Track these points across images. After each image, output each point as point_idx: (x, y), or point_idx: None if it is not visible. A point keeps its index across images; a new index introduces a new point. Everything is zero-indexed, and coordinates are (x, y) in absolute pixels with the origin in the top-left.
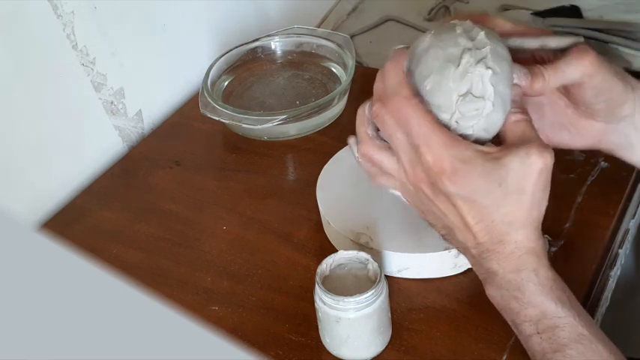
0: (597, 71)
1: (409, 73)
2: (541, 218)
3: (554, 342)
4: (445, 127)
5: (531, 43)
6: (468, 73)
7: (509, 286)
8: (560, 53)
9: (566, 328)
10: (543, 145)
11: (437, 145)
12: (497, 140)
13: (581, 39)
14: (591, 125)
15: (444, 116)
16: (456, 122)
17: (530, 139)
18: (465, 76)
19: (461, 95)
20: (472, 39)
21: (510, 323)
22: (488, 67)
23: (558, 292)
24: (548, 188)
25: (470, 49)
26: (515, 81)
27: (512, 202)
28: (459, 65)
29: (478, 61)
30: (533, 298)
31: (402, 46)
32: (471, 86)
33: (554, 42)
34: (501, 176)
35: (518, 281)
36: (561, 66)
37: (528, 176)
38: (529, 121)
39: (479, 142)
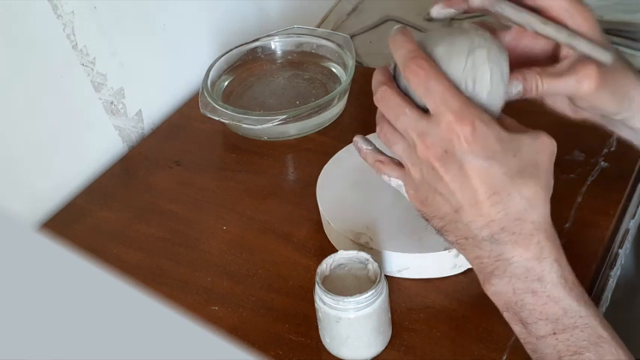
0: (591, 95)
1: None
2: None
3: (572, 344)
4: None
5: (562, 39)
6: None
7: (527, 275)
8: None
9: (587, 330)
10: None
11: (459, 101)
12: None
13: (608, 57)
14: (585, 115)
15: None
16: None
17: (534, 130)
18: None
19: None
20: (474, 59)
21: (516, 323)
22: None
23: (579, 289)
24: (552, 175)
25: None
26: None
27: (529, 175)
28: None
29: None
30: (556, 292)
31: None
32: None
33: (584, 48)
34: (515, 148)
35: (538, 271)
36: (558, 80)
37: (542, 152)
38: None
39: None
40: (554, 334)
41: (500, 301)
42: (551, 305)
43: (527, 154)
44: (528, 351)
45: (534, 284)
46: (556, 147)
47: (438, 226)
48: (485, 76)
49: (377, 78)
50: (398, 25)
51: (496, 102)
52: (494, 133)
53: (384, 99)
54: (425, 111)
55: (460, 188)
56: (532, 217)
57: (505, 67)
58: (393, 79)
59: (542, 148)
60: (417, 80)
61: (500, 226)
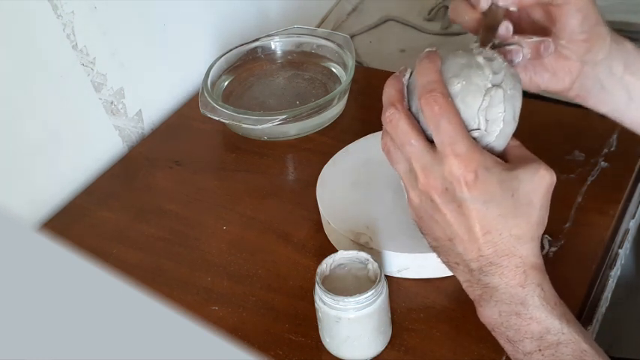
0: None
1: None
2: (541, 236)
3: (557, 358)
4: None
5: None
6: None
7: (511, 300)
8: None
9: (570, 345)
10: (547, 165)
11: (466, 146)
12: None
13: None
14: (568, 65)
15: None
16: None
17: (534, 158)
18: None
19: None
20: (490, 99)
21: (504, 341)
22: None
23: (562, 308)
24: (549, 207)
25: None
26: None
27: (522, 215)
28: (485, 94)
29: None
30: (537, 313)
31: (430, 49)
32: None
33: None
34: (514, 187)
35: (522, 296)
36: None
37: (538, 190)
38: (524, 147)
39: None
40: (540, 350)
41: (488, 321)
42: (535, 325)
43: (524, 193)
44: None
45: (518, 307)
46: (555, 178)
47: (431, 245)
48: (499, 116)
49: (388, 93)
50: (429, 48)
51: (505, 139)
52: (496, 177)
53: (392, 123)
54: (432, 141)
55: (456, 223)
56: (520, 252)
57: (518, 102)
58: (407, 92)
59: (539, 184)
60: (430, 114)
61: (488, 261)
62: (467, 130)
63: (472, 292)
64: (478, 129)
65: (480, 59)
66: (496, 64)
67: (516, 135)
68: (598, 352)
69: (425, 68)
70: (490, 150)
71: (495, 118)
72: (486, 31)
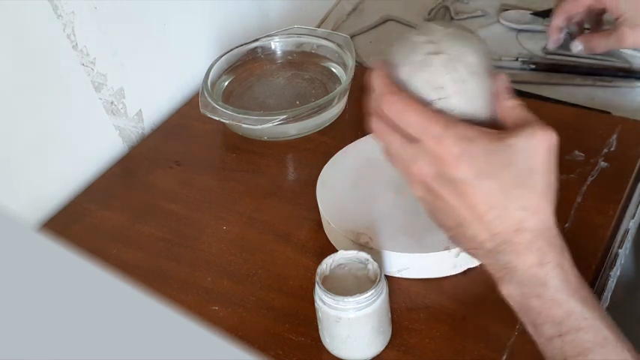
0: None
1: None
2: (554, 203)
3: (577, 345)
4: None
5: None
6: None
7: (530, 281)
8: None
9: (591, 331)
10: (545, 124)
11: (438, 128)
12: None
13: None
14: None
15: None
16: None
17: (531, 120)
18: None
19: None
20: (430, 71)
21: (528, 324)
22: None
23: (584, 291)
24: (556, 169)
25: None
26: None
27: (524, 184)
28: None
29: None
30: (559, 295)
31: (373, 58)
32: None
33: None
34: (508, 157)
35: (541, 276)
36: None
37: (536, 155)
38: (524, 105)
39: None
40: (560, 335)
41: (512, 303)
42: (555, 308)
43: (521, 161)
44: (541, 351)
45: (539, 289)
46: (555, 137)
47: (448, 236)
48: (446, 78)
49: (378, 85)
50: (374, 58)
51: (477, 100)
52: (481, 149)
53: (374, 128)
54: None
55: (459, 205)
56: (531, 225)
57: (473, 57)
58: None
59: (537, 148)
60: (395, 116)
61: (501, 239)
62: (435, 111)
63: (494, 274)
64: (438, 98)
65: (414, 37)
66: (436, 35)
67: None
68: (621, 340)
69: (375, 79)
70: (472, 120)
71: (444, 82)
72: None
